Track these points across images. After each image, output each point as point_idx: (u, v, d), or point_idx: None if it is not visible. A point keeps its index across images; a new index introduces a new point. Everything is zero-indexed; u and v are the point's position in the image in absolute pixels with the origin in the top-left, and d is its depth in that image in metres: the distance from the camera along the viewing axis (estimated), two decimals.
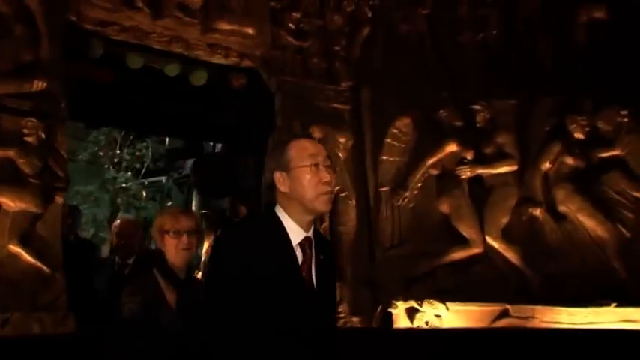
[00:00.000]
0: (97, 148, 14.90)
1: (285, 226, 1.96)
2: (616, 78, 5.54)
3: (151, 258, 3.04)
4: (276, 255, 1.90)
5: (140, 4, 4.81)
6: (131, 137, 15.11)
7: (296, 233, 1.95)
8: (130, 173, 15.31)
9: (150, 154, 15.51)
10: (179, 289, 2.71)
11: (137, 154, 15.40)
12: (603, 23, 5.89)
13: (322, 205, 1.96)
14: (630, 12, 5.79)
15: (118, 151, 15.24)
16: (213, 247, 2.05)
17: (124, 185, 14.91)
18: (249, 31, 5.47)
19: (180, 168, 14.91)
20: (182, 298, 2.66)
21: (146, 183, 15.73)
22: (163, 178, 15.72)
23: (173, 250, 2.79)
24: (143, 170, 15.61)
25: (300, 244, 1.95)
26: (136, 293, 2.68)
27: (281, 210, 1.99)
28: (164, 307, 2.66)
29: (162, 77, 5.39)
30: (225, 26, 5.34)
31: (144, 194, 15.33)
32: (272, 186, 1.99)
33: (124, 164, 15.30)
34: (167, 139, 15.21)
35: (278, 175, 1.98)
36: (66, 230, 4.69)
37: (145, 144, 15.40)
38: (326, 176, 1.96)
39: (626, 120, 5.34)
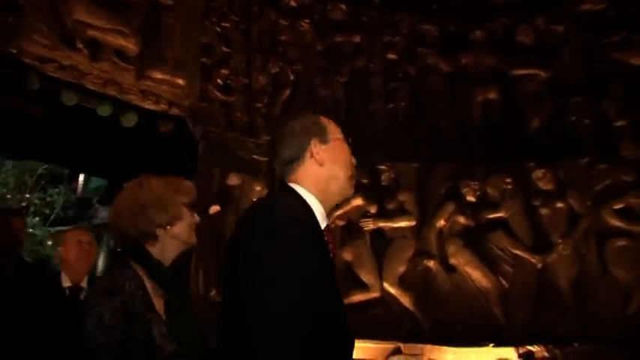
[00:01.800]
0: (5, 190, 14.47)
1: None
2: (503, 150, 6.33)
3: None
4: (320, 248, 1.58)
5: (80, 45, 5.02)
6: (42, 182, 14.80)
7: (320, 220, 1.65)
8: (37, 219, 14.89)
9: (61, 200, 15.20)
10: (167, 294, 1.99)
11: (47, 199, 15.05)
12: (495, 103, 6.73)
13: (351, 189, 1.76)
14: (517, 95, 6.67)
15: (28, 195, 14.83)
16: (263, 226, 1.50)
17: (30, 230, 14.46)
18: (180, 82, 5.76)
19: (91, 217, 14.65)
20: (174, 309, 1.96)
21: (52, 231, 15.29)
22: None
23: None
24: (52, 217, 15.23)
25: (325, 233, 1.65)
26: (114, 294, 1.85)
27: (305, 191, 1.67)
28: (155, 323, 1.87)
29: (94, 117, 5.57)
30: (158, 75, 5.61)
31: (49, 242, 14.88)
32: (295, 160, 1.70)
33: (32, 209, 14.88)
34: (79, 188, 14.96)
35: (316, 143, 1.70)
36: None
37: (57, 189, 15.09)
38: (354, 159, 1.78)
39: (510, 187, 6.08)
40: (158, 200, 2.07)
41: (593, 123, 6.42)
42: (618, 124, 6.31)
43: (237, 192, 5.59)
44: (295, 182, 1.68)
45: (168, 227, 2.06)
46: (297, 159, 1.69)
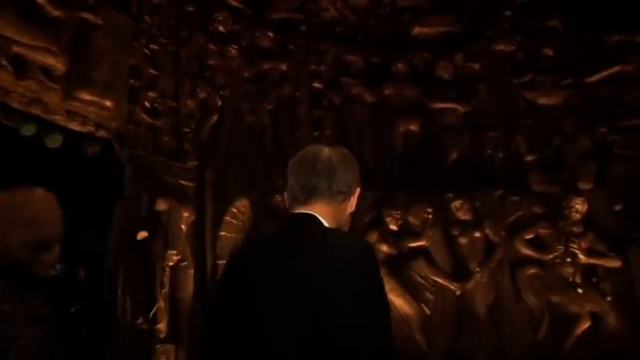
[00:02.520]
0: None
1: None
2: (424, 180, 6.59)
3: None
4: None
5: (4, 62, 4.81)
6: None
7: None
8: None
9: None
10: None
11: None
12: (416, 134, 6.99)
13: None
14: (437, 127, 6.96)
15: None
16: (369, 253, 1.58)
17: None
18: (108, 103, 5.58)
19: None
20: None
21: None
22: None
23: None
24: None
25: None
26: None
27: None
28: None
29: (18, 136, 5.34)
30: (85, 96, 5.42)
31: None
32: (337, 195, 1.71)
33: None
34: None
35: (358, 188, 1.78)
36: None
37: None
38: None
39: (430, 216, 6.32)
40: None
41: (506, 156, 6.81)
42: (528, 158, 6.74)
43: (165, 217, 5.47)
44: (321, 216, 1.68)
45: None
46: (340, 195, 1.71)
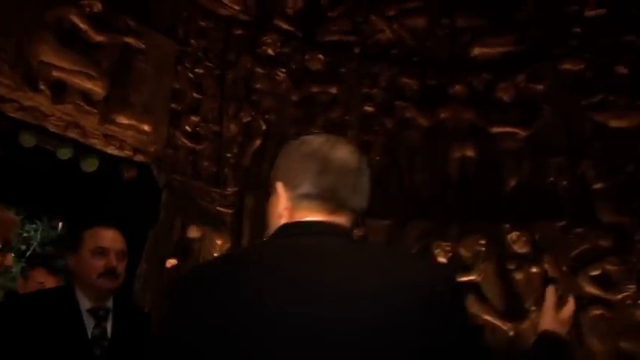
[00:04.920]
0: None
1: None
2: (479, 209, 6.16)
3: None
4: None
5: (43, 87, 4.89)
6: (21, 217, 14.54)
7: None
8: (13, 254, 14.51)
9: (38, 236, 14.91)
10: None
11: (24, 235, 14.76)
12: (472, 160, 6.58)
13: None
14: (495, 153, 6.53)
15: None
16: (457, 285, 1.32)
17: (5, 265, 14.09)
18: (146, 127, 5.62)
19: None
20: None
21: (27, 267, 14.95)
22: None
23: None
24: (28, 253, 14.92)
25: None
26: None
27: None
28: None
29: (54, 160, 5.40)
30: (123, 120, 5.47)
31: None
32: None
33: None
34: (60, 225, 14.70)
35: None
36: None
37: (34, 226, 14.82)
38: None
39: (483, 249, 5.88)
40: None
41: (571, 184, 6.27)
42: (596, 186, 6.16)
43: (197, 245, 5.36)
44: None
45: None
46: (357, 213, 1.41)
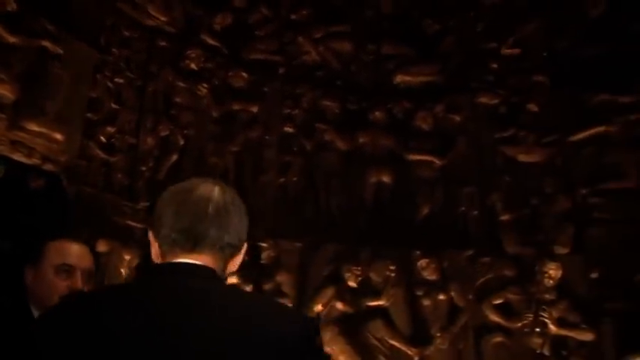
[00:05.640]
0: None
1: None
2: (391, 235, 6.27)
3: None
4: None
5: None
6: None
7: None
8: None
9: None
10: None
11: None
12: (388, 186, 6.70)
13: None
14: (410, 180, 6.67)
15: None
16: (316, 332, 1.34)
17: None
18: (58, 136, 5.37)
19: None
20: None
21: None
22: None
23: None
24: None
25: None
26: None
27: None
28: None
29: None
30: (33, 127, 5.20)
31: None
32: (233, 251, 1.45)
33: None
34: None
35: (245, 248, 1.50)
36: None
37: None
38: None
39: (393, 274, 5.97)
40: None
41: (480, 215, 6.48)
42: (503, 218, 6.39)
43: (104, 259, 5.19)
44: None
45: None
46: (230, 248, 1.41)
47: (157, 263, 1.39)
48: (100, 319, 1.22)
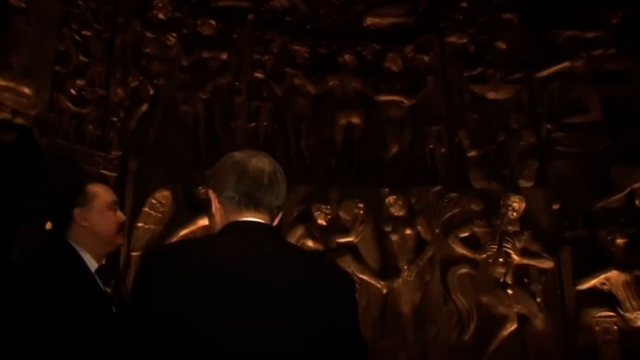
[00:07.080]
0: None
1: None
2: (361, 174, 6.45)
3: None
4: None
5: None
6: None
7: None
8: None
9: None
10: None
11: None
12: (358, 127, 6.83)
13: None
14: (379, 121, 6.80)
15: None
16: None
17: None
18: (26, 90, 5.42)
19: None
20: None
21: None
22: None
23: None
24: None
25: None
26: None
27: None
28: None
29: None
30: (0, 82, 5.36)
31: None
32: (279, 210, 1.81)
33: None
34: None
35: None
36: None
37: None
38: None
39: (361, 212, 6.17)
40: None
41: (448, 152, 6.65)
42: (470, 154, 6.56)
43: None
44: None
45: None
46: (277, 210, 1.76)
47: (235, 220, 1.69)
48: (208, 260, 1.55)
